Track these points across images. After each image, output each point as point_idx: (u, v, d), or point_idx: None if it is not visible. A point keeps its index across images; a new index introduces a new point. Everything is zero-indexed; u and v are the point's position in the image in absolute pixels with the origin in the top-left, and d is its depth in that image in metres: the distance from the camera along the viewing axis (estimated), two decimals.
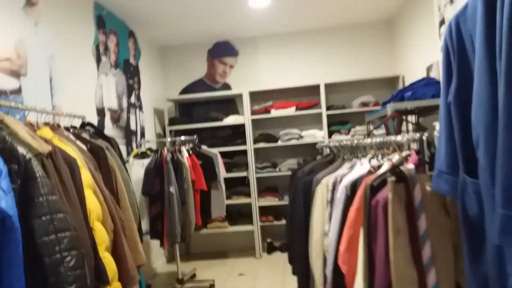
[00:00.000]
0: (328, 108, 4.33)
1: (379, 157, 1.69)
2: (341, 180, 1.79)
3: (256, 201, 4.36)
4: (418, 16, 3.66)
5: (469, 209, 1.16)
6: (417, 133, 1.52)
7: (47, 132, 1.83)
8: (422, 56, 3.56)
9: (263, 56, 4.83)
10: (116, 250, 1.82)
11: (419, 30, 3.65)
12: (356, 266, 1.48)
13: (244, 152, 4.46)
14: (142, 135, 4.26)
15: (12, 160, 1.39)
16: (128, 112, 3.97)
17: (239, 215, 4.68)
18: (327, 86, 4.37)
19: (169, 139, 3.60)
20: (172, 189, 3.13)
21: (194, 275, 3.94)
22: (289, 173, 4.28)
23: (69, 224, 1.44)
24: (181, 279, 3.68)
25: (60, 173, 1.59)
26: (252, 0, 3.65)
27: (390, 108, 2.60)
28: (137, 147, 4.02)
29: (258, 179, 4.47)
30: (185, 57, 4.99)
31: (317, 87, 4.51)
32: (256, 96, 4.66)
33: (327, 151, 2.67)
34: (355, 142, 2.03)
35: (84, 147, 2.06)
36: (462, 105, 1.16)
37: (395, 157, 1.58)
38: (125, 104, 3.91)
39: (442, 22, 2.27)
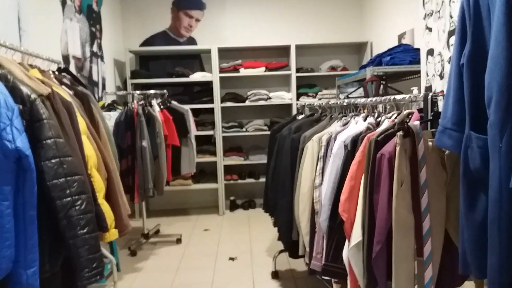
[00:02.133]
0: (297, 71, 4.38)
1: (375, 116, 1.79)
2: (335, 137, 1.88)
3: (221, 160, 4.40)
4: None
5: (471, 162, 1.29)
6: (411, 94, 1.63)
7: (36, 74, 1.71)
8: (393, 23, 3.70)
9: (231, 12, 4.73)
10: (109, 199, 1.80)
11: None
12: (355, 214, 1.59)
13: (209, 110, 4.43)
14: (103, 86, 4.06)
15: (16, 99, 1.31)
16: (91, 61, 3.75)
17: (202, 173, 4.70)
18: (297, 48, 4.40)
19: (138, 92, 3.47)
20: (144, 143, 3.06)
21: (158, 231, 3.95)
22: (256, 133, 4.37)
23: (77, 168, 1.40)
24: (146, 233, 3.68)
25: (59, 117, 1.51)
26: None
27: (369, 72, 2.71)
28: (99, 99, 3.84)
29: (223, 138, 4.48)
30: (147, 7, 4.73)
31: (285, 49, 4.54)
32: (223, 54, 4.58)
33: (307, 110, 2.75)
34: (345, 102, 2.11)
35: (69, 92, 1.96)
36: (475, 67, 1.26)
37: (394, 116, 1.70)
38: (88, 52, 3.68)
39: None
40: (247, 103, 4.41)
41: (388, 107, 1.79)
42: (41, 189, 1.28)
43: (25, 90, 1.33)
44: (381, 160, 1.47)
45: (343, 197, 1.62)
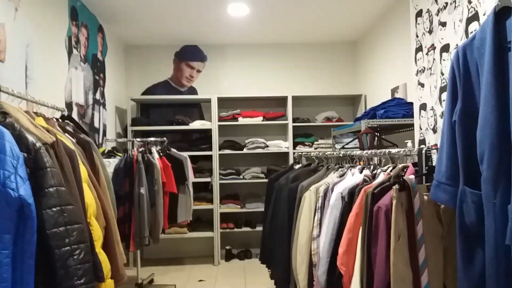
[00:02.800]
0: (293, 121, 4.49)
1: (371, 168, 1.83)
2: (333, 188, 1.90)
3: (218, 208, 4.38)
4: (382, 42, 3.96)
5: (466, 216, 1.31)
6: (406, 148, 1.68)
7: (41, 122, 1.75)
8: (386, 78, 3.85)
9: (231, 63, 4.91)
10: (107, 248, 1.78)
11: (383, 54, 3.95)
12: (353, 267, 1.59)
13: (207, 157, 4.48)
14: (104, 133, 4.12)
15: (21, 147, 1.34)
16: (93, 108, 3.83)
17: (198, 221, 4.65)
18: (293, 99, 4.53)
19: (138, 139, 3.53)
20: (142, 190, 3.07)
21: (152, 280, 3.85)
22: (253, 181, 4.39)
23: (77, 217, 1.40)
24: (140, 283, 3.59)
25: (62, 165, 1.54)
26: (231, 8, 3.73)
27: (364, 124, 2.78)
28: (100, 146, 3.89)
29: (220, 185, 4.49)
30: (150, 57, 4.92)
31: (282, 100, 4.68)
32: (222, 103, 4.70)
33: (304, 160, 2.79)
34: (342, 153, 2.16)
35: (72, 139, 2.00)
36: (466, 124, 1.32)
37: (389, 169, 1.73)
38: (90, 100, 3.77)
39: (419, 49, 2.50)
40: (245, 150, 4.47)
41: (383, 160, 1.83)
42: (39, 237, 1.28)
43: (30, 138, 1.37)
44: (378, 213, 1.49)
45: (341, 250, 1.62)
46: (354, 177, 1.88)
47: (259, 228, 4.26)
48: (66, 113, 2.42)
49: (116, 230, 2.04)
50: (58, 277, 1.30)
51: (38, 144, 1.38)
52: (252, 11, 3.82)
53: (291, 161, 4.25)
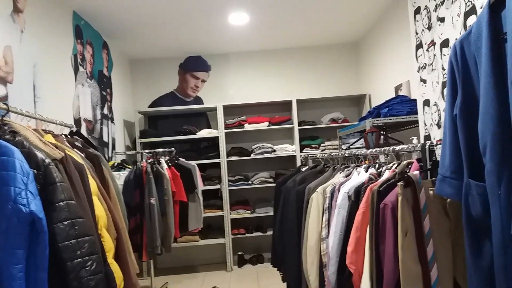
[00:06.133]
0: (299, 124, 4.50)
1: (376, 166, 1.84)
2: (339, 188, 1.91)
3: (228, 214, 4.40)
4: (383, 41, 3.97)
5: (472, 209, 1.31)
6: (410, 145, 1.69)
7: (50, 139, 1.80)
8: (389, 76, 3.85)
9: (235, 71, 4.95)
10: (119, 258, 1.81)
11: (385, 53, 3.95)
12: (363, 265, 1.59)
13: (216, 165, 4.51)
14: (113, 147, 4.18)
15: (31, 164, 1.38)
16: (101, 123, 3.89)
17: (209, 228, 4.67)
18: (298, 102, 4.56)
19: (146, 151, 3.58)
20: (153, 201, 3.11)
21: None
22: (262, 185, 4.40)
23: (88, 229, 1.43)
24: None
25: (71, 179, 1.57)
26: (232, 17, 3.77)
27: (368, 124, 2.79)
28: (109, 159, 3.94)
29: (230, 192, 4.52)
30: (155, 70, 4.99)
31: (287, 104, 4.70)
32: (228, 111, 4.75)
33: (310, 162, 2.80)
34: (347, 153, 2.17)
35: (81, 154, 2.04)
36: (467, 117, 1.32)
37: (394, 166, 1.74)
38: (98, 115, 3.83)
39: (419, 46, 2.50)
40: (252, 156, 4.50)
41: (389, 157, 1.84)
42: (51, 251, 1.31)
43: (39, 155, 1.41)
44: (384, 210, 1.50)
45: (349, 248, 1.62)
46: (359, 176, 1.89)
47: (270, 232, 4.27)
48: (74, 129, 2.48)
49: (127, 240, 2.07)
50: None
51: (47, 160, 1.41)
52: (252, 19, 3.86)
53: (298, 164, 4.26)
